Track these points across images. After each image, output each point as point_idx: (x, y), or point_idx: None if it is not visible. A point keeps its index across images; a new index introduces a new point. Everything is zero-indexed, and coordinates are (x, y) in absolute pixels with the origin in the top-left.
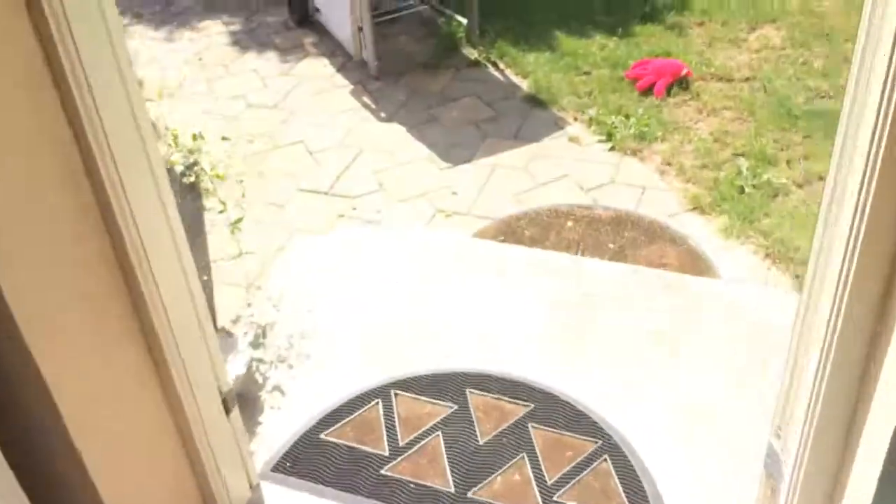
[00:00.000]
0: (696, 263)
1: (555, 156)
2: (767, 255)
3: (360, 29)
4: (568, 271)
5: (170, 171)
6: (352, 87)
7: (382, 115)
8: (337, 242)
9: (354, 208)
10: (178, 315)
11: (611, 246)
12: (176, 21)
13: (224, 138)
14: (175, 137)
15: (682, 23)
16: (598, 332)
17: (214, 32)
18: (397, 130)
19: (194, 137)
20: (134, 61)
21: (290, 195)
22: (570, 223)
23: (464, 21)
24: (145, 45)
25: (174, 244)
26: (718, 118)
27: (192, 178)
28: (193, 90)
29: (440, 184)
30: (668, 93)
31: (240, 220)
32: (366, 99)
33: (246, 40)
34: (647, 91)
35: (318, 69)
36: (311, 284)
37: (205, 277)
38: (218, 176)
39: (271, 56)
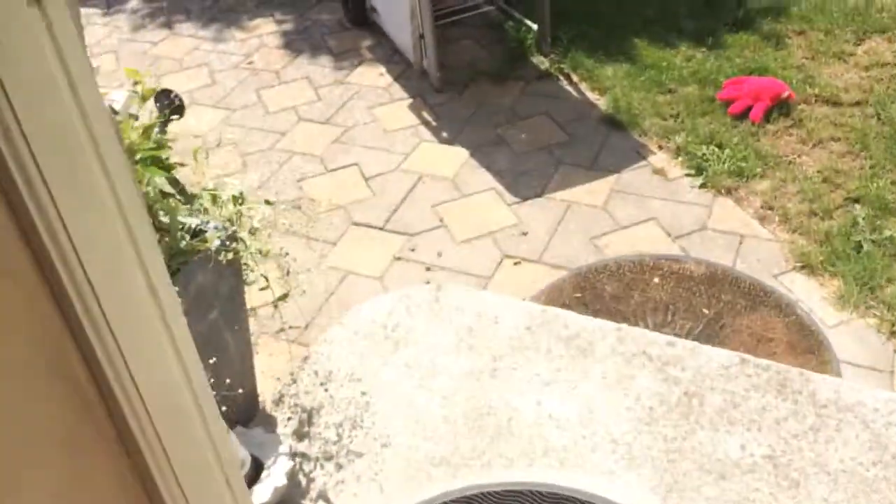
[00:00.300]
0: (806, 341)
1: (637, 192)
2: (893, 334)
3: (422, 36)
4: (662, 359)
5: (204, 250)
6: (411, 100)
7: (444, 134)
8: (393, 304)
9: (412, 249)
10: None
11: (705, 311)
12: (225, 18)
13: (268, 202)
14: (214, 199)
15: (779, 31)
16: (703, 448)
17: (265, 32)
18: (460, 154)
19: (235, 201)
20: (181, 66)
21: (343, 230)
22: (656, 279)
23: (533, 26)
24: (194, 44)
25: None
26: (826, 151)
27: (231, 256)
28: (244, 101)
29: (508, 221)
30: (767, 118)
31: (285, 296)
32: (426, 115)
33: (298, 42)
34: (742, 115)
35: (374, 78)
36: (364, 357)
37: (239, 385)
38: (261, 252)
39: (325, 61)
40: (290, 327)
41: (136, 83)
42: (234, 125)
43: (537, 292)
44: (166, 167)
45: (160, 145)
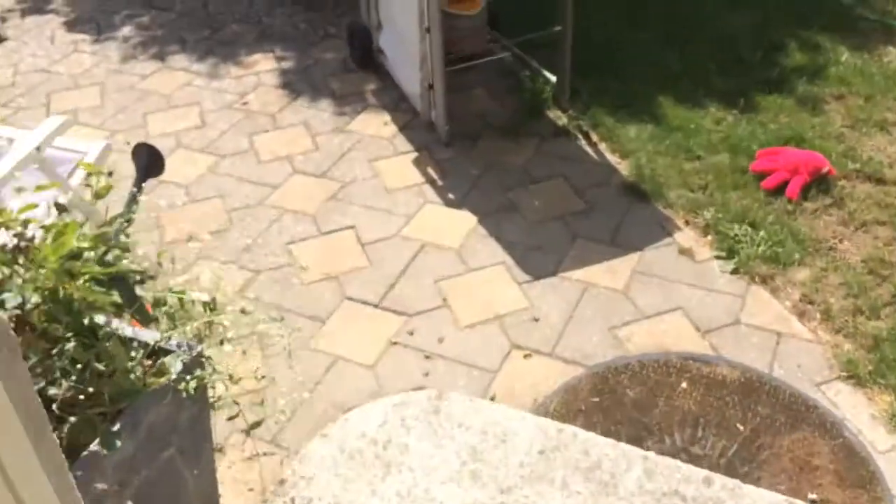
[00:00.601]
0: (856, 470)
1: (661, 275)
2: None
3: (431, 86)
4: (698, 500)
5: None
6: (416, 154)
7: (450, 196)
8: (386, 415)
9: (411, 332)
10: None
11: (740, 427)
12: (222, 52)
13: (244, 311)
14: (181, 303)
15: (815, 95)
16: None
17: (264, 70)
18: (467, 221)
19: (207, 307)
20: (170, 104)
21: (334, 305)
22: (684, 384)
23: (551, 77)
24: (186, 79)
25: None
26: (870, 236)
27: (192, 386)
28: (235, 146)
29: (518, 304)
30: (805, 195)
31: (258, 423)
32: (431, 172)
33: (298, 82)
34: (777, 190)
35: (377, 127)
36: (349, 483)
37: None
38: (231, 378)
39: (325, 105)
40: (264, 454)
41: (89, 175)
42: (223, 174)
43: (550, 393)
44: (122, 278)
45: (115, 249)
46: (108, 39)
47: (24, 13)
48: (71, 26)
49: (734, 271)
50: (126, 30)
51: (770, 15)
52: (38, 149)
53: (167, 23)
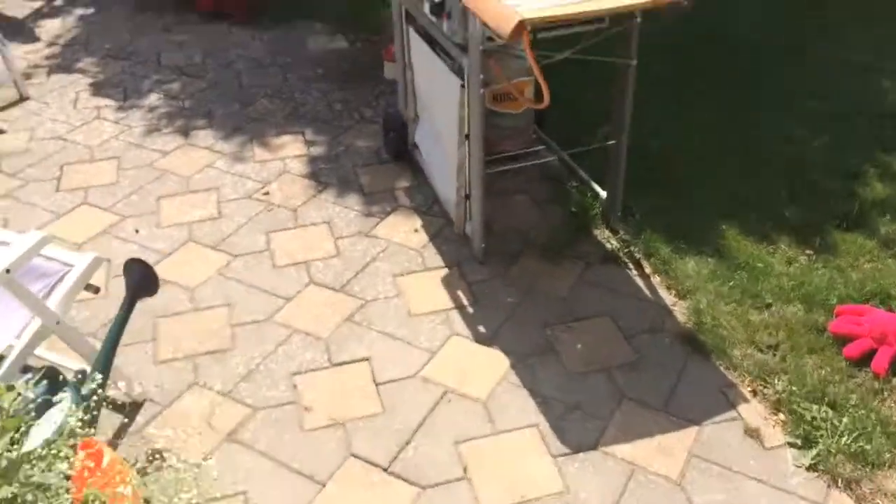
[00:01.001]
0: None
1: (723, 462)
2: None
3: (467, 196)
4: None
5: None
6: (446, 270)
7: (481, 328)
8: None
9: None
10: None
11: None
12: (250, 130)
13: None
14: None
15: None
16: None
17: (291, 155)
18: (498, 363)
19: None
20: (187, 188)
21: (336, 462)
22: None
23: (601, 192)
24: (209, 160)
25: None
26: None
27: None
28: (250, 245)
29: (552, 485)
30: (894, 370)
31: None
32: (462, 295)
33: (326, 172)
34: (861, 359)
35: (406, 234)
36: None
37: None
38: None
39: (352, 201)
40: None
41: None
42: (232, 278)
43: None
44: None
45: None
46: (133, 107)
47: (51, 71)
48: (97, 89)
49: (811, 467)
50: (153, 97)
51: (845, 134)
52: (7, 271)
53: (196, 92)
